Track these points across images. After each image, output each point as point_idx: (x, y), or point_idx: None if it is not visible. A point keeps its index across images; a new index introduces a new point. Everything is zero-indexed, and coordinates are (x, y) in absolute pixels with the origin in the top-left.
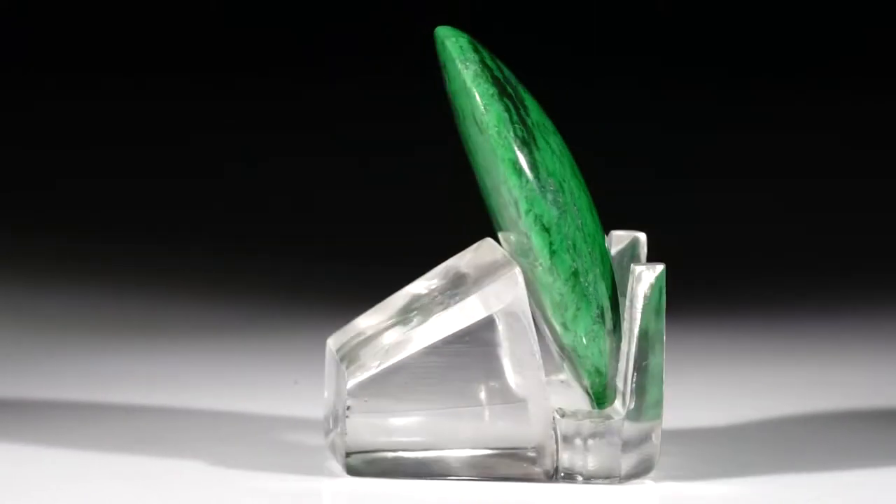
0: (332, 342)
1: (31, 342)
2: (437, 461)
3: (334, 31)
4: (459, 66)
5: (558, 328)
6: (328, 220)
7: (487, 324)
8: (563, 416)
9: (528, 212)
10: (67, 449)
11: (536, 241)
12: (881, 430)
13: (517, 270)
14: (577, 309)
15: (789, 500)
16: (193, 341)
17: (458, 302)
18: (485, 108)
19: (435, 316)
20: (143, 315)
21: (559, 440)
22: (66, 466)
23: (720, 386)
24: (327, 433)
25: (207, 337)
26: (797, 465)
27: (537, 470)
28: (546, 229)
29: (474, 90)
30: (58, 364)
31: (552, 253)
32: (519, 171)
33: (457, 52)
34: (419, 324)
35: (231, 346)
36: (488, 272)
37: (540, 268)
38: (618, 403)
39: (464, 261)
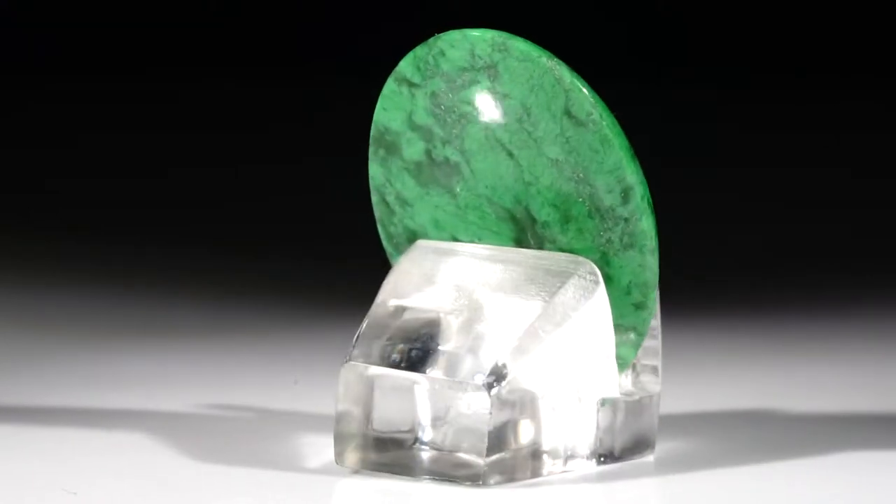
0: (376, 356)
1: (31, 342)
2: (548, 457)
3: (325, 28)
4: (548, 62)
5: (632, 307)
6: (327, 220)
7: (586, 316)
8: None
9: (643, 196)
10: (67, 449)
11: (647, 224)
12: (880, 430)
13: (590, 263)
14: (657, 289)
15: (784, 496)
16: (193, 341)
17: (545, 305)
18: (594, 101)
19: (539, 319)
20: (143, 315)
21: (598, 424)
22: (66, 467)
23: (716, 385)
24: (359, 449)
25: (207, 337)
26: (793, 462)
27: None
28: (653, 212)
29: (577, 84)
30: (57, 364)
31: (657, 234)
32: (633, 157)
33: (536, 50)
34: (515, 325)
35: (231, 346)
36: (540, 267)
37: (633, 251)
38: (631, 377)
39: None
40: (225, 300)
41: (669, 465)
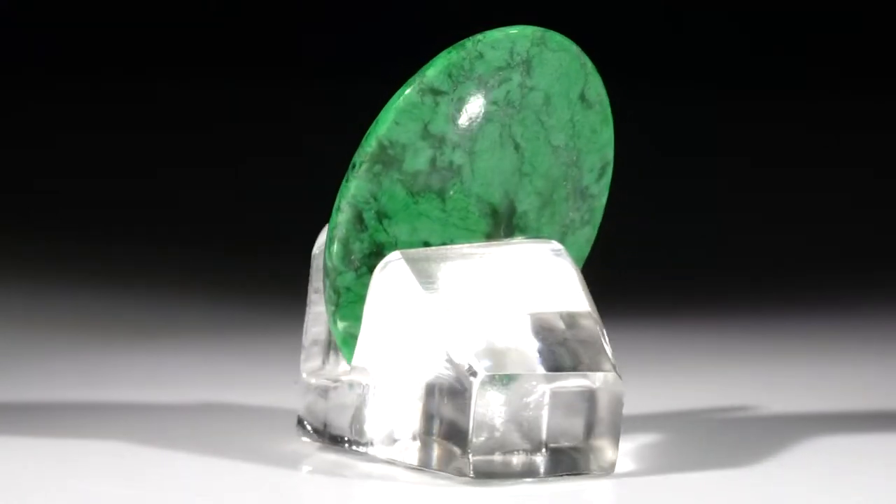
0: (505, 364)
1: (31, 342)
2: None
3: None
4: (576, 49)
5: None
6: (326, 219)
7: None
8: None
9: (611, 172)
10: (66, 449)
11: (605, 198)
12: (870, 429)
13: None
14: None
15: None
16: (193, 341)
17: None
18: (602, 82)
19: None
20: (142, 315)
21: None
22: (65, 466)
23: (712, 385)
24: (491, 457)
25: (207, 337)
26: (785, 462)
27: None
28: None
29: (594, 67)
30: (56, 364)
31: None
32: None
33: (567, 40)
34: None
35: (230, 346)
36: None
37: (589, 227)
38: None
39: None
40: (225, 300)
41: (651, 467)
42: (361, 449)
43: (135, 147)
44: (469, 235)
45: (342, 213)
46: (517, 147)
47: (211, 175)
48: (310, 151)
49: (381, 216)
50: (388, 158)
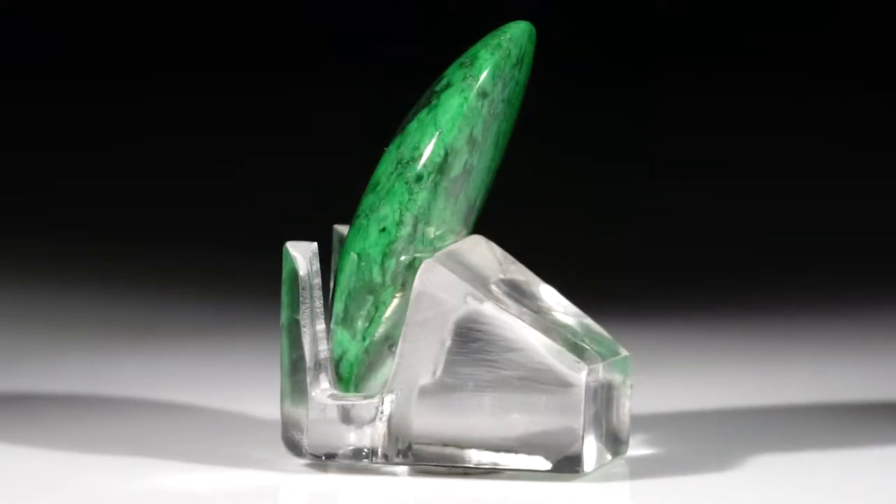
0: (582, 373)
1: (30, 342)
2: None
3: (331, 30)
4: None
5: None
6: (325, 221)
7: None
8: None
9: None
10: (64, 447)
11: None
12: (864, 426)
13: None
14: None
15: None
16: (192, 341)
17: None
18: None
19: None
20: (142, 315)
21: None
22: (64, 465)
23: (711, 385)
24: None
25: (206, 337)
26: (780, 462)
27: None
28: None
29: None
30: (56, 364)
31: None
32: None
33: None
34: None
35: (230, 346)
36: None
37: (473, 216)
38: None
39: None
40: (224, 300)
41: (644, 466)
42: (401, 461)
43: (134, 147)
44: (448, 237)
45: (405, 227)
46: (496, 143)
47: (210, 175)
48: (306, 152)
49: (426, 226)
50: (445, 167)
